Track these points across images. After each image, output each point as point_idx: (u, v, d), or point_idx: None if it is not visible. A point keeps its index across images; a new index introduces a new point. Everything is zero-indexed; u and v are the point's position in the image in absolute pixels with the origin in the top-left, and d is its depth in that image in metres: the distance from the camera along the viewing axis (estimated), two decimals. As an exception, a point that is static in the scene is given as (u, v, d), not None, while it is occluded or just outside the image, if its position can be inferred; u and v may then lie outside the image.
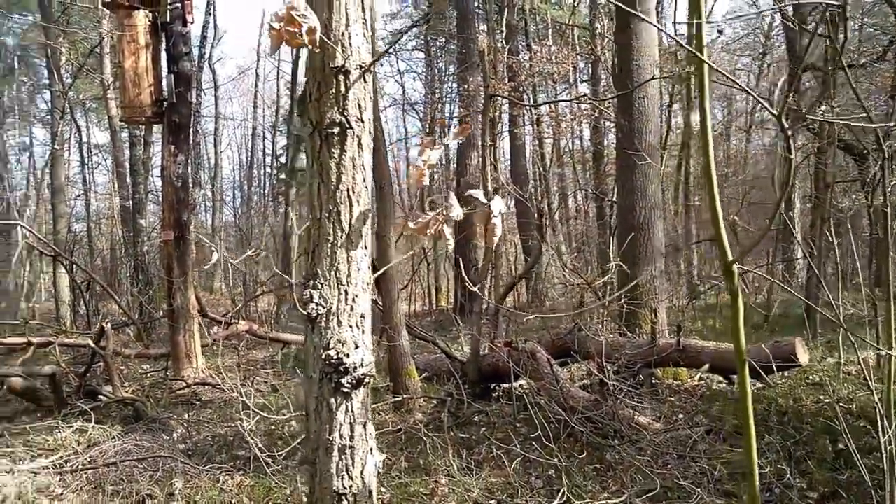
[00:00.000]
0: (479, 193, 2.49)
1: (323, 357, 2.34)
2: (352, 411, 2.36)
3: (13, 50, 25.27)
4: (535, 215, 12.25)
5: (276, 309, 14.49)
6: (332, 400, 2.35)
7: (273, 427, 6.67)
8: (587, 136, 23.05)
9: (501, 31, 12.92)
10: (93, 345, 8.27)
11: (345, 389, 2.34)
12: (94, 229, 22.54)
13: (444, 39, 20.07)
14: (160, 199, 19.25)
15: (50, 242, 14.60)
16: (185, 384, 8.96)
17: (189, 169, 9.81)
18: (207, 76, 27.95)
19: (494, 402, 7.42)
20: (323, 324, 2.38)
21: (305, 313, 2.35)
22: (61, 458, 5.80)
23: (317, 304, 2.35)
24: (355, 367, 2.34)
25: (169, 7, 9.16)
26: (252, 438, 5.47)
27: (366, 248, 2.47)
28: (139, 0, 9.16)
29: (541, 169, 16.73)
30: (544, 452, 5.51)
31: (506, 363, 7.03)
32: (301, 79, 22.59)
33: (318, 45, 2.27)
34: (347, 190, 2.42)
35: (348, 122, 2.39)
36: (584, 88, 22.45)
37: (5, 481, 5.04)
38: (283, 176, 26.45)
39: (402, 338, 7.54)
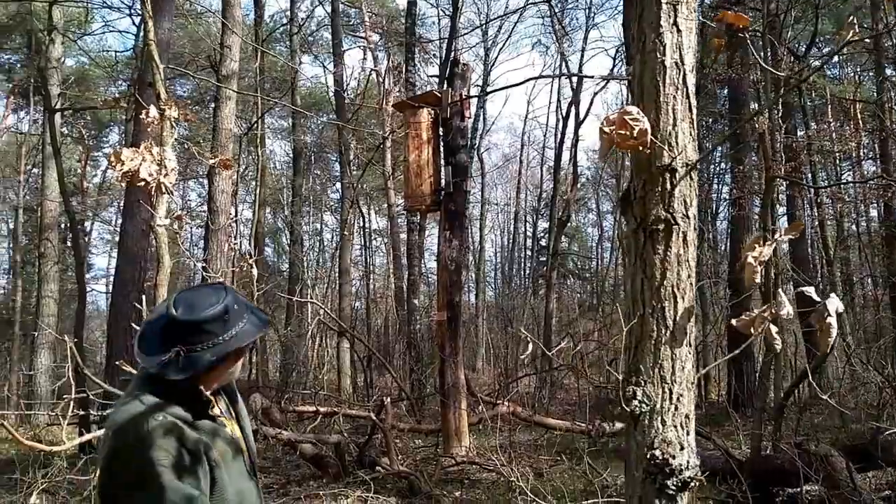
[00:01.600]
0: (811, 291, 2.35)
1: (647, 457, 2.30)
2: (677, 515, 2.29)
3: (310, 146, 28.81)
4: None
5: (539, 391, 14.54)
6: (656, 502, 2.29)
7: (542, 513, 6.61)
8: (875, 217, 20.97)
9: (777, 110, 12.27)
10: (374, 418, 8.83)
11: (669, 492, 2.27)
12: (372, 307, 24.42)
13: (710, 119, 19.51)
14: (431, 280, 20.50)
15: (337, 318, 16.07)
16: (454, 462, 9.20)
17: (461, 253, 10.34)
18: (476, 164, 29.62)
19: (778, 508, 6.76)
20: (646, 422, 2.35)
21: (628, 410, 2.34)
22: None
23: (640, 402, 2.33)
24: (681, 470, 2.27)
25: (449, 104, 9.84)
26: (528, 525, 5.47)
27: (690, 345, 2.42)
28: (423, 100, 10.02)
29: (823, 254, 15.42)
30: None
31: (792, 465, 6.43)
32: (563, 164, 23.32)
33: (647, 145, 2.32)
34: (672, 286, 2.40)
35: (674, 218, 2.39)
36: (867, 166, 20.56)
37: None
38: (543, 258, 27.00)
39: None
